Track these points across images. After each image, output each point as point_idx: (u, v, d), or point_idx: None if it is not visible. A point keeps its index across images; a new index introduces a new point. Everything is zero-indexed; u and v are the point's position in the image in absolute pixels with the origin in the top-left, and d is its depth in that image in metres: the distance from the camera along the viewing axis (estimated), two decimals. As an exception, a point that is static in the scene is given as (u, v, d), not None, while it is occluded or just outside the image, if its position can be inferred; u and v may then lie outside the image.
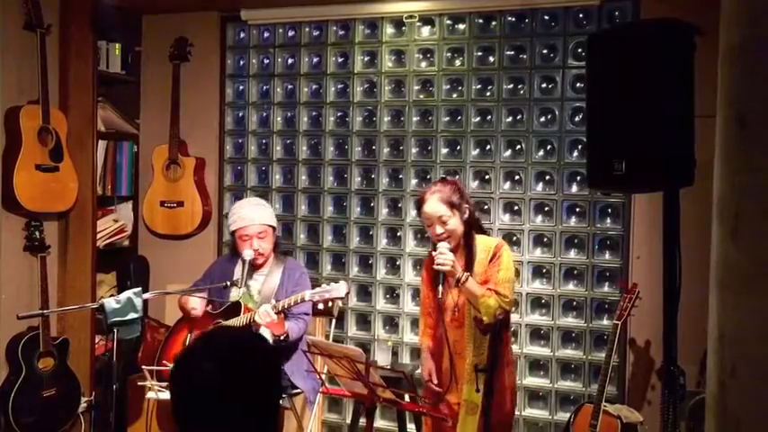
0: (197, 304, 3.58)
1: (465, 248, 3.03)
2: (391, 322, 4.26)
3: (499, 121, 4.01)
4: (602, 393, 3.33)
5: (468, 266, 2.98)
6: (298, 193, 4.44)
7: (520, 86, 4.01)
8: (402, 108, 4.22)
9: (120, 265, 4.62)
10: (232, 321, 3.45)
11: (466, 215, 3.02)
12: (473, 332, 2.99)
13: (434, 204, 2.98)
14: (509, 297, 2.94)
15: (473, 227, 3.07)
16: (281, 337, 3.38)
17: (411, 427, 3.86)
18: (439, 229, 2.97)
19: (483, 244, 3.05)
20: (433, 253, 2.97)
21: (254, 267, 3.64)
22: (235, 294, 3.57)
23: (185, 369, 1.61)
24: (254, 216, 3.59)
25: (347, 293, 3.36)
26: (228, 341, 1.68)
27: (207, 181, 4.53)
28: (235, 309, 3.49)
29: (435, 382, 3.10)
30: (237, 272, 3.63)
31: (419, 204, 3.06)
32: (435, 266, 2.93)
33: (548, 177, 3.96)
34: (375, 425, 3.86)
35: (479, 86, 4.08)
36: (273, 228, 3.67)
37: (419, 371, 3.41)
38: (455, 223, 2.98)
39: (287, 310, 3.41)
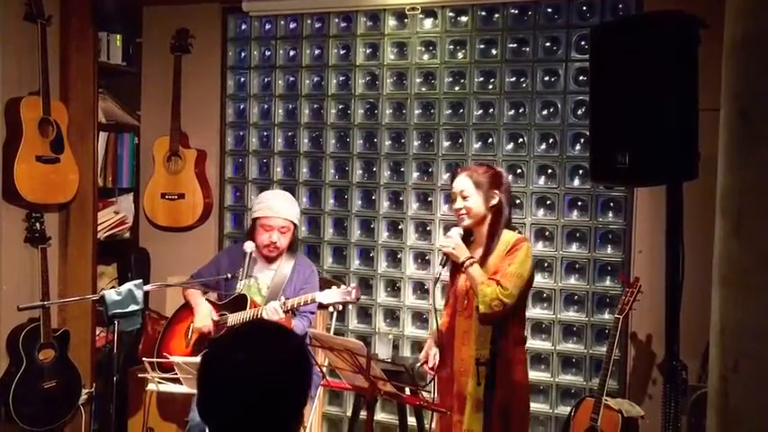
0: (206, 322, 3.55)
1: (487, 238, 2.98)
2: (392, 315, 4.26)
3: (501, 115, 4.00)
4: (604, 387, 3.33)
5: (485, 255, 2.94)
6: (299, 185, 4.43)
7: (522, 79, 3.99)
8: (404, 101, 4.20)
9: (121, 256, 4.62)
10: (238, 315, 3.45)
11: (494, 201, 2.96)
12: (478, 324, 2.98)
13: (461, 179, 2.99)
14: (510, 290, 2.82)
15: (501, 219, 2.98)
16: None
17: (411, 420, 3.86)
18: (459, 203, 2.96)
19: (506, 238, 2.98)
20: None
21: (266, 261, 3.63)
22: (240, 286, 3.56)
23: (215, 362, 1.58)
24: (280, 209, 3.57)
25: (357, 299, 3.36)
26: (259, 334, 1.66)
27: (208, 173, 4.52)
28: (241, 302, 3.48)
29: (430, 365, 3.10)
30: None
31: (452, 179, 3.08)
32: (438, 248, 2.94)
33: (550, 171, 3.95)
34: (375, 418, 3.86)
35: (482, 79, 4.06)
36: (296, 225, 3.66)
37: (420, 364, 3.41)
38: (476, 202, 2.95)
39: (295, 309, 3.41)
